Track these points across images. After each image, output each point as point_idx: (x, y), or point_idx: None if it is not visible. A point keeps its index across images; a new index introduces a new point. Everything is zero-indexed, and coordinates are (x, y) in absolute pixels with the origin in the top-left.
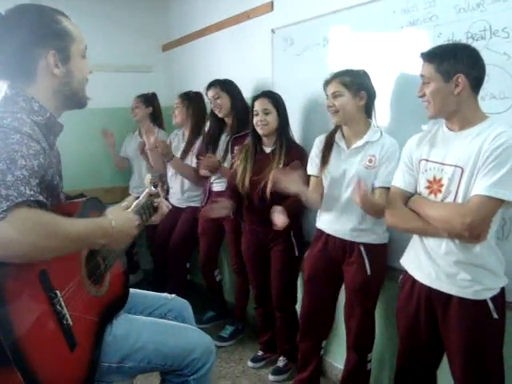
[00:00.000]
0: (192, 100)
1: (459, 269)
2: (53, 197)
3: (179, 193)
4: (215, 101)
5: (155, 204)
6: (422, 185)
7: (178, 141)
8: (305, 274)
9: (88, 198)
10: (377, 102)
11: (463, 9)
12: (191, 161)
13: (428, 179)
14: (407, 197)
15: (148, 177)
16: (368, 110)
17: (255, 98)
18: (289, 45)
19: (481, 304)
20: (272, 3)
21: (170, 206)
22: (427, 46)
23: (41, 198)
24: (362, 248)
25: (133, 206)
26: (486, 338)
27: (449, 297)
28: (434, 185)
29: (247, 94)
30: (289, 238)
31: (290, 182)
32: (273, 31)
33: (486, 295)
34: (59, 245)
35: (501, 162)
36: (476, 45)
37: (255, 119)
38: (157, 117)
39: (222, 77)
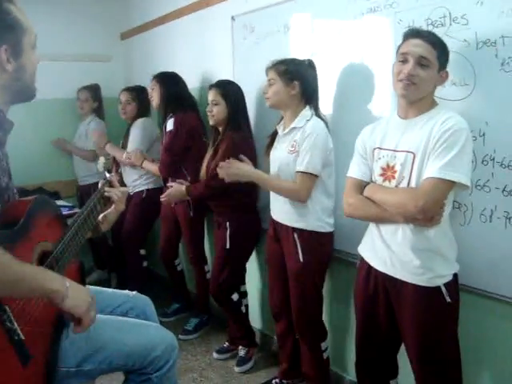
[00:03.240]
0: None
1: (413, 255)
2: (1, 199)
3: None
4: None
5: (106, 194)
6: (376, 172)
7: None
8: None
9: (36, 196)
10: (338, 92)
11: None
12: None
13: (382, 166)
14: (363, 186)
15: (101, 160)
16: (308, 98)
17: (209, 89)
18: (249, 32)
19: (434, 290)
20: None
21: (125, 191)
22: (388, 33)
23: None
24: (296, 234)
25: (85, 205)
26: (440, 322)
27: (403, 283)
28: (388, 171)
29: (208, 82)
30: (225, 228)
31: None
32: (233, 18)
33: (439, 282)
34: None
35: (450, 144)
36: (436, 31)
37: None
38: (101, 109)
39: (181, 66)
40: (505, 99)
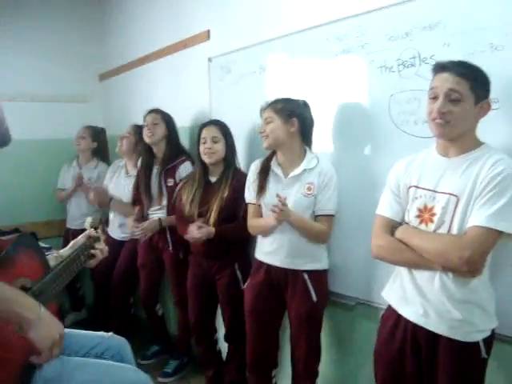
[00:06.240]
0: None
1: (451, 306)
2: None
3: (120, 226)
4: (152, 126)
5: (92, 251)
6: (411, 213)
7: (119, 173)
8: (246, 305)
9: (20, 234)
10: (315, 130)
11: (393, 37)
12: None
13: (418, 207)
14: (394, 226)
15: (88, 220)
16: (305, 137)
17: (203, 126)
18: (225, 73)
19: (472, 346)
20: (209, 32)
21: (106, 253)
22: (362, 73)
23: None
24: (306, 276)
25: (69, 245)
26: (474, 377)
27: (437, 336)
28: (425, 213)
29: (185, 123)
30: (233, 270)
31: None
32: (209, 60)
33: (478, 337)
34: None
35: (500, 191)
36: (407, 72)
37: (202, 147)
38: (100, 151)
39: (160, 106)
40: None
